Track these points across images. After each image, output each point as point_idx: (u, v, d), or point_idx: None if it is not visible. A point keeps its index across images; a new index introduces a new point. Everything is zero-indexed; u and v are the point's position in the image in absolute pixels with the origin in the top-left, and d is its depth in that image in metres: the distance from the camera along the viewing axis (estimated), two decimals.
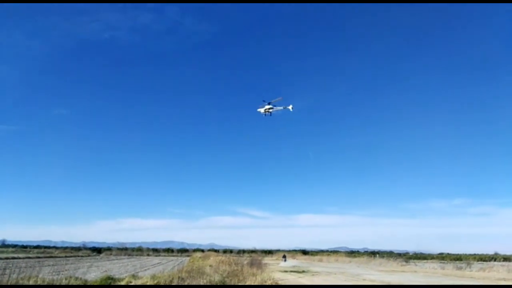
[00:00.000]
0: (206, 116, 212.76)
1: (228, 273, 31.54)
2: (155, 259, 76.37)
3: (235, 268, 37.95)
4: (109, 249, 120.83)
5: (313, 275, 43.58)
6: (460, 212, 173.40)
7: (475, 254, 77.81)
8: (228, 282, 26.70)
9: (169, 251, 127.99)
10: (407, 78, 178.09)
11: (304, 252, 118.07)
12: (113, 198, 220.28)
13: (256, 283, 25.98)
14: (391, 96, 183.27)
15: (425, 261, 74.13)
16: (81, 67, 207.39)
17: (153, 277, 26.20)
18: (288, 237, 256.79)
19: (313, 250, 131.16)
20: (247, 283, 25.87)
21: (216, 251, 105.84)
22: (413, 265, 70.88)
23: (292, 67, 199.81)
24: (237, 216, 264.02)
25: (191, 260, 60.78)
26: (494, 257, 74.06)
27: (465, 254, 79.04)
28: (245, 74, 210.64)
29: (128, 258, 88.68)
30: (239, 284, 25.75)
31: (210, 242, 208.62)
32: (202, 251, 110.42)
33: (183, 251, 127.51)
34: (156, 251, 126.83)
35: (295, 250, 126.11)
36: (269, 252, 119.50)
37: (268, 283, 27.42)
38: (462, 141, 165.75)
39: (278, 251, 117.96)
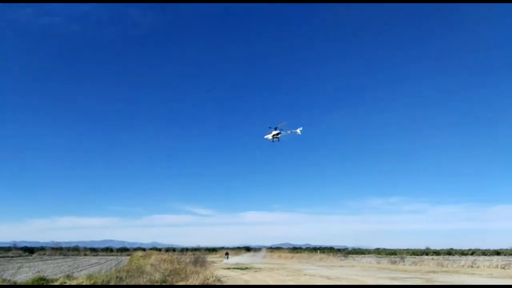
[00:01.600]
0: (145, 110, 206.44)
1: (170, 272, 30.79)
2: (92, 259, 73.13)
3: (178, 266, 37.18)
4: (42, 248, 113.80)
5: (255, 271, 43.90)
6: (396, 210, 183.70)
7: (408, 249, 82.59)
8: (170, 280, 26.06)
9: (108, 250, 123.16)
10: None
11: (248, 249, 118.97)
12: (47, 195, 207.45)
13: (198, 281, 25.59)
14: (329, 96, 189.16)
15: (363, 255, 77.45)
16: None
17: (89, 277, 24.94)
18: (233, 234, 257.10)
19: (257, 247, 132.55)
20: (189, 281, 25.39)
21: (159, 250, 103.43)
22: (351, 260, 73.83)
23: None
24: (180, 214, 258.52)
25: (131, 259, 58.88)
26: (425, 252, 79.10)
27: (400, 249, 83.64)
28: (181, 67, 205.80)
29: (63, 258, 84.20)
30: (180, 284, 25.18)
31: (152, 241, 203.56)
32: (144, 250, 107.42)
33: (123, 250, 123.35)
34: (94, 250, 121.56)
35: (239, 247, 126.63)
36: (213, 250, 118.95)
37: (211, 280, 27.16)
38: (398, 141, 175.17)
39: (222, 248, 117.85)
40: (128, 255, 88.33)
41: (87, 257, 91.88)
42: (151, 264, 41.62)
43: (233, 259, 78.09)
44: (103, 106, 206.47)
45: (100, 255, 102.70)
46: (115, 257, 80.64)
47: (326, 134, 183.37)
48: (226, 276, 34.41)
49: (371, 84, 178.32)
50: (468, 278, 35.34)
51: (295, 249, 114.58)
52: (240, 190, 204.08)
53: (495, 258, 60.07)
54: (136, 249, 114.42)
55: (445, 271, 45.58)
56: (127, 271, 29.74)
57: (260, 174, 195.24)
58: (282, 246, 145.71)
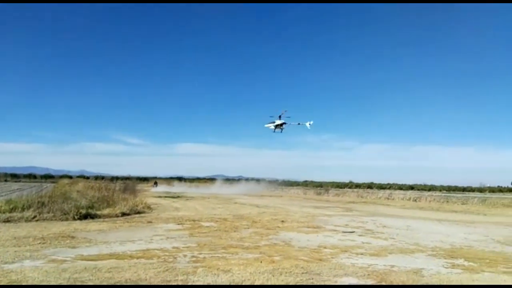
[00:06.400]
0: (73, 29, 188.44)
1: (97, 199, 29.92)
2: (14, 185, 69.27)
3: (106, 193, 36.28)
4: None
5: (187, 199, 44.38)
6: (327, 146, 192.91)
7: (333, 182, 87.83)
8: (97, 207, 25.35)
9: (31, 177, 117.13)
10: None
11: (181, 179, 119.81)
12: None
13: (127, 208, 25.19)
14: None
15: (291, 187, 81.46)
16: None
17: (8, 202, 23.44)
18: (166, 165, 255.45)
19: (190, 177, 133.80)
20: (117, 208, 24.90)
21: (87, 178, 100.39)
22: (280, 191, 77.47)
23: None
24: (111, 143, 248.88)
25: (57, 186, 56.59)
26: (348, 185, 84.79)
27: (325, 182, 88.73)
28: None
29: None
30: (105, 212, 24.62)
31: (80, 169, 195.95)
32: (71, 177, 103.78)
33: (48, 177, 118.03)
34: (15, 176, 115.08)
35: (172, 178, 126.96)
36: (145, 180, 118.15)
37: (140, 207, 26.89)
38: (333, 82, 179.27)
39: (154, 178, 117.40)
40: (53, 182, 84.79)
41: (7, 183, 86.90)
42: (78, 191, 40.31)
43: (163, 188, 78.39)
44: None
45: (23, 182, 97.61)
46: (39, 183, 77.14)
47: (259, 68, 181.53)
48: (156, 204, 34.34)
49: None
50: (383, 208, 38.64)
51: (229, 180, 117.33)
52: (174, 121, 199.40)
53: (409, 192, 66.15)
54: (62, 177, 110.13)
55: (363, 202, 49.51)
56: (50, 197, 28.46)
57: (195, 105, 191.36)
58: (215, 177, 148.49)
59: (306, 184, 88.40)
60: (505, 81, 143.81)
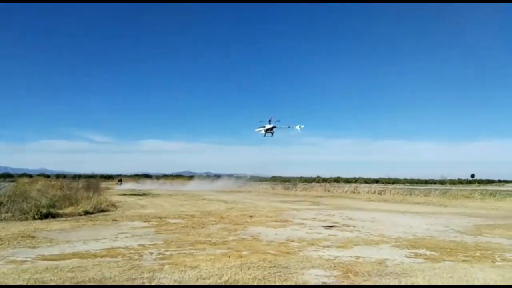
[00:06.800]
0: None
1: (59, 198, 28.89)
2: None
3: (68, 192, 35.10)
4: None
5: (153, 197, 43.67)
6: (295, 141, 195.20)
7: (301, 177, 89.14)
8: (59, 206, 24.48)
9: None
10: None
11: (146, 177, 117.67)
12: None
13: (90, 206, 24.45)
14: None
15: (260, 183, 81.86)
16: None
17: None
18: (131, 162, 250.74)
19: (156, 174, 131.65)
20: (80, 207, 24.12)
21: (48, 176, 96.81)
22: (248, 187, 77.63)
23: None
24: (74, 140, 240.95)
25: (16, 185, 54.27)
26: (316, 180, 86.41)
27: (293, 177, 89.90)
28: None
29: None
30: (67, 210, 23.82)
31: (40, 167, 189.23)
32: (30, 176, 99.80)
33: (7, 176, 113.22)
34: None
35: (137, 175, 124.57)
36: (109, 177, 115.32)
37: (104, 205, 26.20)
38: (300, 79, 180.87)
39: (119, 176, 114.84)
40: (12, 181, 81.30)
41: None
42: (38, 190, 38.81)
43: (129, 186, 76.81)
44: None
45: None
46: None
47: (231, 65, 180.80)
48: (121, 202, 33.58)
49: None
50: (349, 201, 39.47)
51: (196, 177, 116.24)
52: (140, 117, 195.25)
53: (374, 185, 68.06)
54: (21, 175, 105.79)
55: (330, 196, 50.38)
56: (9, 196, 27.30)
57: (161, 102, 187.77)
58: (182, 174, 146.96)
59: (274, 179, 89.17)
60: (464, 78, 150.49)
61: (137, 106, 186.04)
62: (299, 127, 53.04)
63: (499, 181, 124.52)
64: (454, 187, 69.41)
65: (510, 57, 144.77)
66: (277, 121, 52.18)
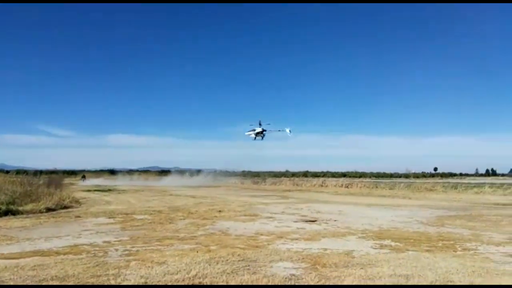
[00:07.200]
0: None
1: (19, 194, 27.69)
2: None
3: (29, 188, 33.70)
4: None
5: (119, 192, 42.75)
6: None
7: (270, 172, 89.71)
8: (19, 203, 23.47)
9: None
10: None
11: (112, 172, 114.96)
12: None
13: (52, 202, 23.61)
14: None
15: (229, 177, 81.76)
16: None
17: None
18: (96, 157, 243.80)
19: (123, 170, 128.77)
20: (41, 203, 23.23)
21: (7, 172, 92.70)
22: (218, 181, 77.37)
23: None
24: (35, 134, 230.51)
25: None
26: (285, 174, 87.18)
27: (263, 172, 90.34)
28: None
29: None
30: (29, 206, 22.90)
31: None
32: None
33: None
34: None
35: (102, 170, 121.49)
36: (72, 173, 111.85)
37: (67, 201, 25.35)
38: (266, 74, 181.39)
39: (83, 171, 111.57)
40: None
41: None
42: None
43: (94, 182, 74.85)
44: None
45: None
46: None
47: (195, 58, 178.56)
48: (85, 198, 32.63)
49: None
50: (317, 195, 40.06)
51: (164, 172, 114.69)
52: (105, 111, 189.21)
53: (341, 179, 69.39)
54: None
55: (299, 190, 51.04)
56: None
57: (127, 93, 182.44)
58: (150, 169, 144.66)
59: (244, 174, 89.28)
60: (427, 73, 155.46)
61: (103, 99, 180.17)
62: (289, 130, 53.32)
63: (460, 174, 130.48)
64: (418, 180, 71.86)
65: (474, 53, 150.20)
66: (268, 124, 52.25)
